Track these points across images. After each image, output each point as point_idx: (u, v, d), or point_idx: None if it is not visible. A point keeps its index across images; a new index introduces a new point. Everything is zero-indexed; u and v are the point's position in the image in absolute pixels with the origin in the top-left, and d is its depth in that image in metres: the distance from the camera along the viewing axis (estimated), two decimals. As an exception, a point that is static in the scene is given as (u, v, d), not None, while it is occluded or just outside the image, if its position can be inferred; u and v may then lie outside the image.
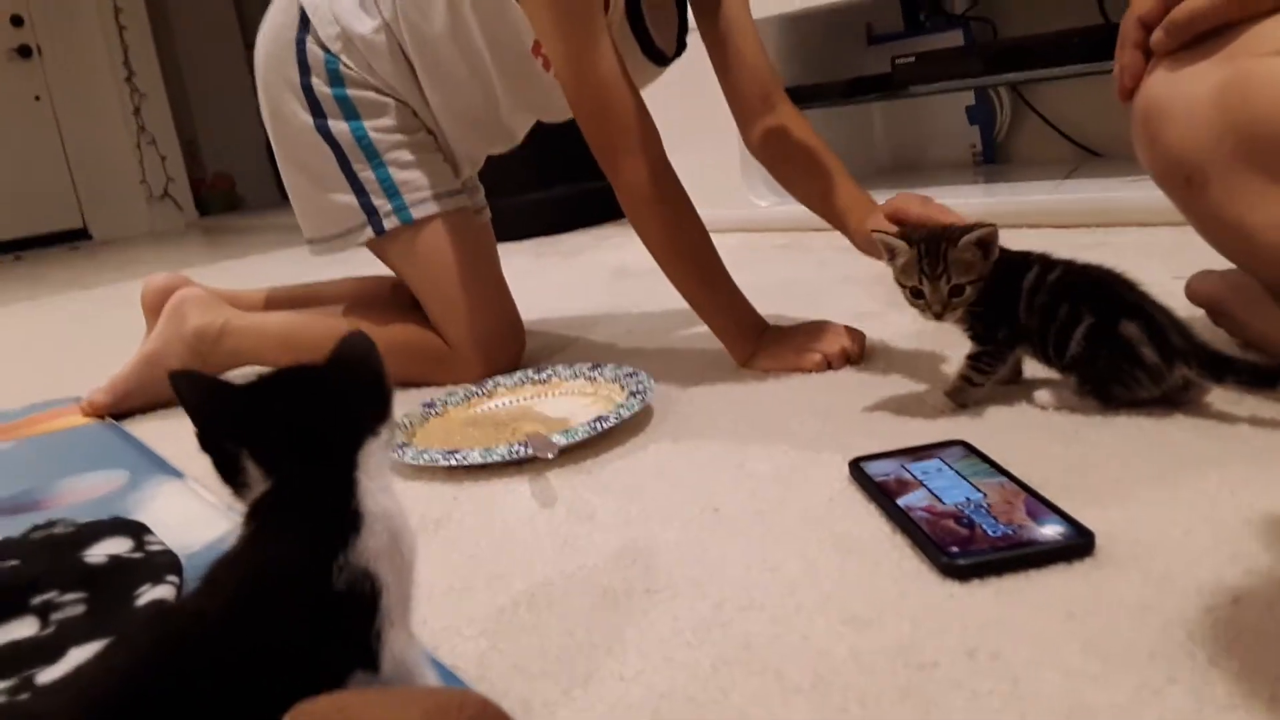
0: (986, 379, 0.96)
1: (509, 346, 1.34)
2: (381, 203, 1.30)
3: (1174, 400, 0.88)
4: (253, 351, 1.39)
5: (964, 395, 0.97)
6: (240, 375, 1.18)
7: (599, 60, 1.11)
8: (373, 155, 1.30)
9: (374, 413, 0.53)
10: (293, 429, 0.49)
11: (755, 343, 1.19)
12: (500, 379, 1.23)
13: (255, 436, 0.49)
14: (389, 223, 1.30)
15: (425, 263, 1.32)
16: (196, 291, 1.44)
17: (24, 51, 5.83)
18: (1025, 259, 0.95)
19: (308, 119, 1.30)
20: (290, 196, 1.39)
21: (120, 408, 1.40)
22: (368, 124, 1.30)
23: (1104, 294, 0.90)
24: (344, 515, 0.48)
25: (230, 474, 0.50)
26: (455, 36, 1.25)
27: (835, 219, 1.27)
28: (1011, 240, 0.96)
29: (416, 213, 1.30)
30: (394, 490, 0.53)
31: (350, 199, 1.31)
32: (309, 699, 0.38)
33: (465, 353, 1.30)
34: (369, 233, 1.31)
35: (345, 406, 0.52)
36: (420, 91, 1.32)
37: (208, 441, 0.50)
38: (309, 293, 1.54)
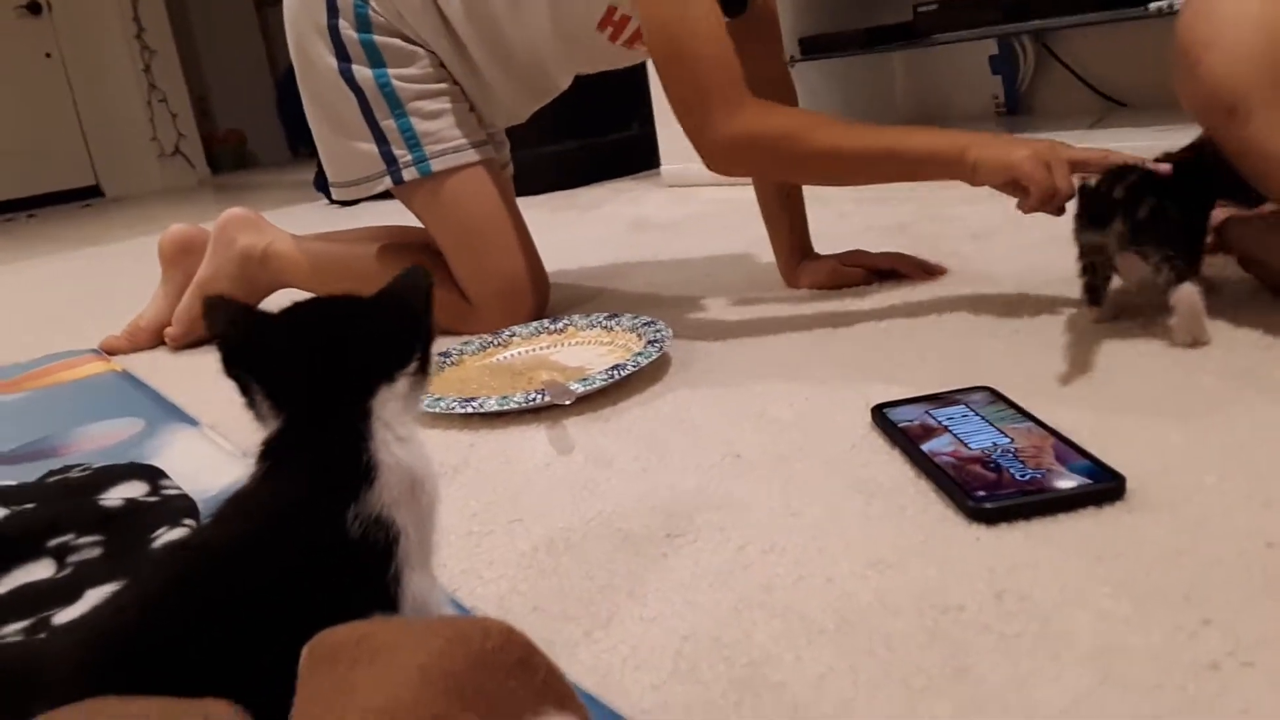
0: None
1: (530, 300, 1.31)
2: (401, 152, 1.28)
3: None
4: (293, 274, 1.43)
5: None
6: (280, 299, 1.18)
7: (694, 6, 1.05)
8: (395, 104, 1.27)
9: (398, 358, 0.51)
10: (306, 370, 0.48)
11: (972, 138, 1.02)
12: (516, 329, 1.22)
13: (269, 372, 0.48)
14: (408, 173, 1.28)
15: (447, 214, 1.31)
16: (241, 212, 1.46)
17: (34, 8, 5.79)
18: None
19: (332, 62, 1.28)
20: (314, 138, 1.37)
21: (191, 337, 1.46)
22: (392, 72, 1.27)
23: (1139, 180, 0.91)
24: (355, 465, 0.46)
25: (249, 404, 0.49)
26: (516, 3, 1.23)
27: (780, 243, 1.33)
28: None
29: (436, 165, 1.28)
30: (416, 437, 0.51)
31: (371, 147, 1.29)
32: (330, 629, 0.37)
33: (485, 306, 1.29)
34: (388, 181, 1.30)
35: (367, 349, 0.50)
36: (450, 41, 1.28)
37: (229, 369, 0.49)
38: (340, 237, 1.54)
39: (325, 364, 0.49)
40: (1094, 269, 0.95)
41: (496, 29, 1.26)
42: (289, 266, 1.43)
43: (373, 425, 0.48)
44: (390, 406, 0.50)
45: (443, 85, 1.30)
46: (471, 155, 1.30)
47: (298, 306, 0.52)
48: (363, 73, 1.27)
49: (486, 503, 0.80)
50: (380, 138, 1.28)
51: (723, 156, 1.08)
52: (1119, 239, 0.89)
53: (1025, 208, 0.98)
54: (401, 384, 0.51)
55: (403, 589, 0.46)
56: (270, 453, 0.48)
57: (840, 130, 1.06)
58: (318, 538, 0.44)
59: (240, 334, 0.49)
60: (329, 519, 0.45)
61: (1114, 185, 0.89)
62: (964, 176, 1.01)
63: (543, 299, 1.33)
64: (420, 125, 1.28)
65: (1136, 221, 0.88)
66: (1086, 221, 0.92)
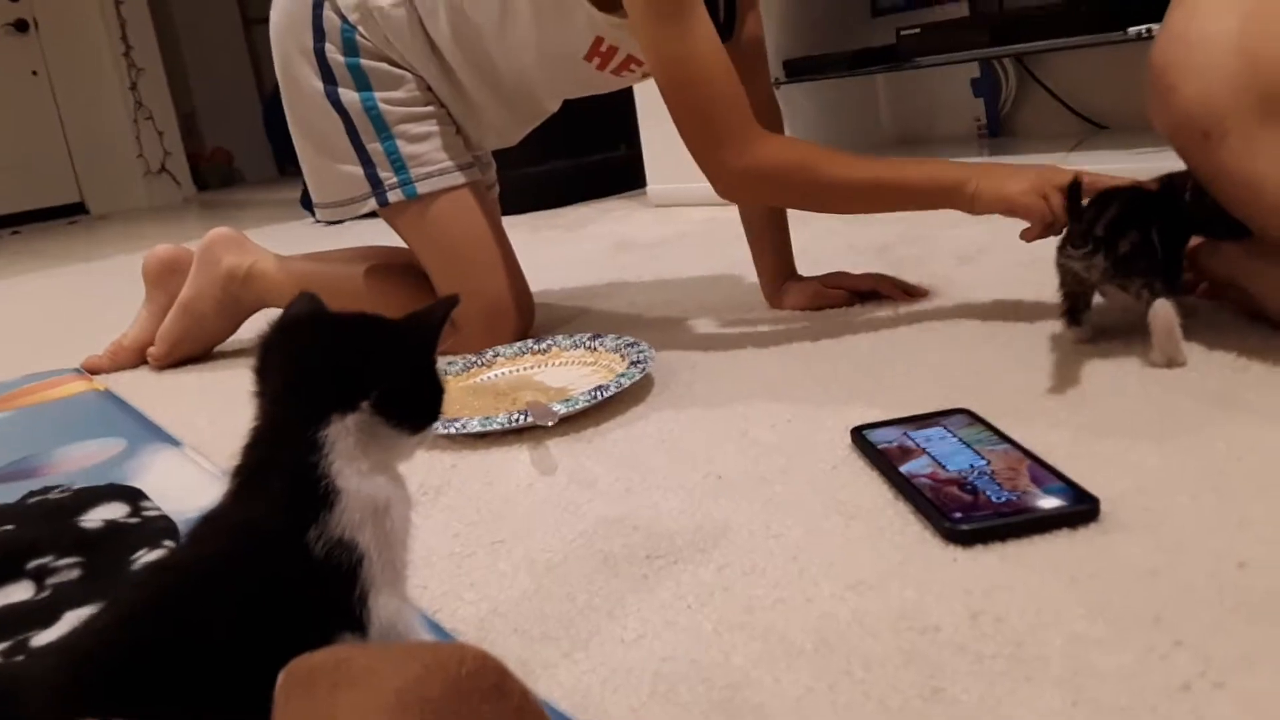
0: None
1: (515, 322, 1.31)
2: (387, 175, 1.29)
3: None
4: (277, 295, 1.43)
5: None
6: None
7: (699, 41, 1.04)
8: (381, 127, 1.28)
9: (357, 388, 0.49)
10: (271, 389, 0.49)
11: (971, 170, 1.07)
12: (500, 349, 1.22)
13: (260, 374, 0.49)
14: (393, 195, 1.29)
15: (431, 236, 1.31)
16: (226, 232, 1.46)
17: (21, 26, 5.78)
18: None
19: (318, 84, 1.28)
20: (300, 159, 1.38)
21: (174, 357, 1.47)
22: (379, 95, 1.28)
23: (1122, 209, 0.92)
24: (313, 489, 0.46)
25: None
26: (503, 34, 1.23)
27: (764, 264, 1.34)
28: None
29: (422, 187, 1.28)
30: (388, 470, 0.51)
31: (356, 169, 1.29)
32: (307, 653, 0.37)
33: (469, 327, 1.29)
34: (373, 203, 1.30)
35: (326, 375, 0.49)
36: (438, 66, 1.29)
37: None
38: (327, 258, 1.54)
39: (288, 385, 0.49)
40: (1075, 295, 0.97)
41: (484, 55, 1.27)
42: (273, 287, 1.43)
43: (328, 454, 0.47)
44: (350, 438, 0.48)
45: (429, 109, 1.30)
46: (457, 178, 1.30)
47: (294, 319, 0.52)
48: (349, 96, 1.28)
49: (468, 524, 0.80)
50: (366, 160, 1.29)
51: (736, 186, 1.12)
52: (1102, 273, 0.92)
53: (1028, 237, 1.04)
54: (364, 415, 0.49)
55: (370, 610, 0.46)
56: (241, 470, 0.48)
57: (848, 162, 1.10)
58: (282, 558, 0.44)
59: (284, 326, 0.50)
60: (291, 540, 0.45)
61: (1096, 220, 0.90)
62: (964, 207, 1.07)
63: (527, 321, 1.34)
64: (406, 148, 1.28)
65: (1118, 257, 0.90)
66: (1069, 253, 0.93)
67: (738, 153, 1.07)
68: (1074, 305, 0.97)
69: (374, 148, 1.28)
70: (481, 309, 1.29)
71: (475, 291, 1.29)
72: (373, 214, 1.35)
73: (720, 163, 1.08)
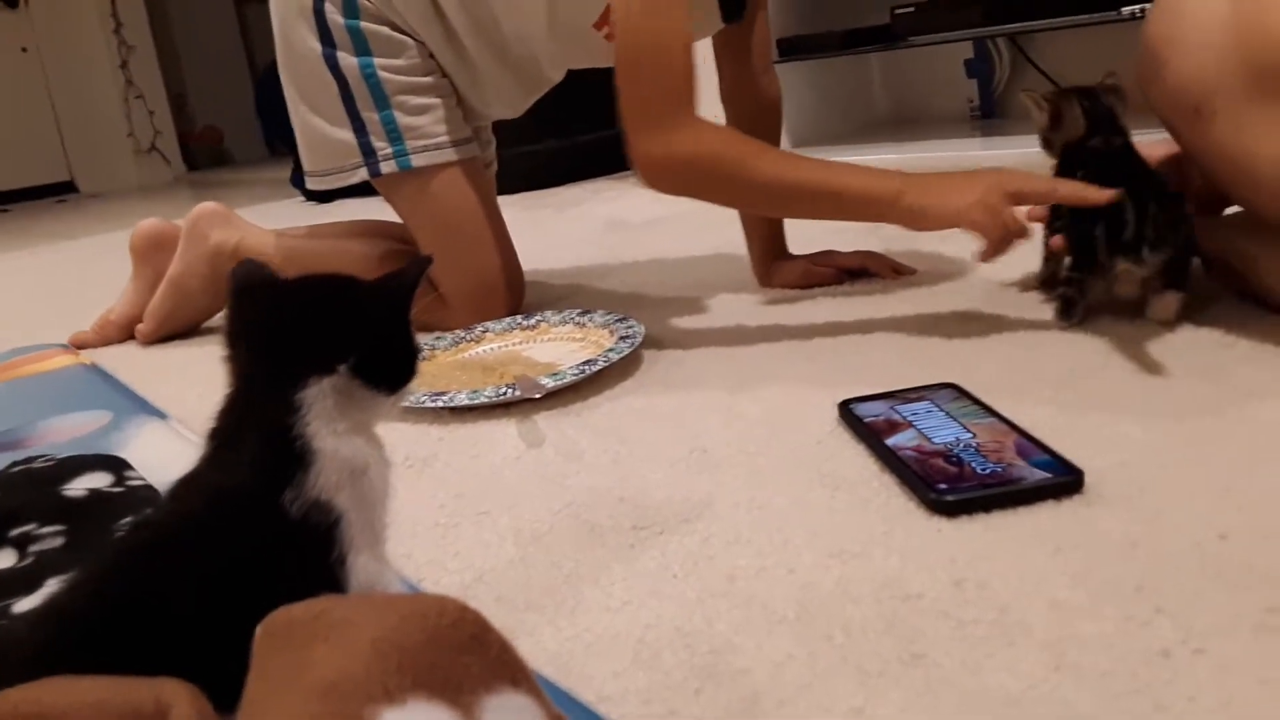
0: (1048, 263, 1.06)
1: (505, 299, 1.30)
2: (382, 145, 1.26)
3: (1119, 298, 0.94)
4: None
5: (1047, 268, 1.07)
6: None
7: (670, 20, 1.02)
8: (379, 95, 1.25)
9: (335, 351, 0.49)
10: (247, 351, 0.49)
11: (911, 181, 1.01)
12: (489, 324, 1.22)
13: (233, 338, 0.48)
14: (386, 166, 1.26)
15: (426, 210, 1.30)
16: (213, 207, 1.45)
17: (11, 2, 5.72)
18: (1086, 158, 0.98)
19: (316, 46, 1.25)
20: (293, 124, 1.35)
21: (162, 333, 1.46)
22: (378, 61, 1.25)
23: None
24: (289, 451, 0.46)
25: None
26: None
27: (755, 243, 1.34)
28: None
29: (417, 160, 1.26)
30: (366, 433, 0.51)
31: (349, 136, 1.27)
32: (285, 606, 0.37)
33: (459, 303, 1.28)
34: (364, 173, 1.28)
35: (303, 338, 0.49)
36: (441, 29, 1.26)
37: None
38: (314, 232, 1.53)
39: (264, 348, 0.49)
40: (1078, 293, 0.96)
41: (490, 19, 1.24)
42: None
43: (304, 416, 0.47)
44: (328, 400, 0.48)
45: (430, 79, 1.28)
46: (453, 154, 1.28)
47: (294, 281, 0.51)
48: (347, 60, 1.25)
49: (454, 495, 0.80)
50: (360, 128, 1.27)
51: (657, 175, 1.05)
52: (1142, 281, 0.92)
53: (984, 259, 0.97)
54: (341, 378, 0.49)
55: (348, 571, 0.46)
56: (217, 434, 0.48)
57: (783, 161, 1.05)
58: (258, 518, 0.44)
59: (246, 293, 0.50)
60: (267, 500, 0.45)
61: (1140, 235, 0.89)
62: (904, 221, 1.00)
63: (518, 298, 1.33)
64: (404, 120, 1.26)
65: (1168, 263, 0.90)
66: (1081, 268, 0.94)
67: (664, 139, 1.02)
68: (1073, 298, 0.96)
69: (370, 116, 1.26)
70: (472, 285, 1.28)
71: (467, 267, 1.28)
72: (363, 191, 1.34)
73: (647, 147, 1.03)
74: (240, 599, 0.41)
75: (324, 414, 0.47)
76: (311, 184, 1.36)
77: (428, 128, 1.27)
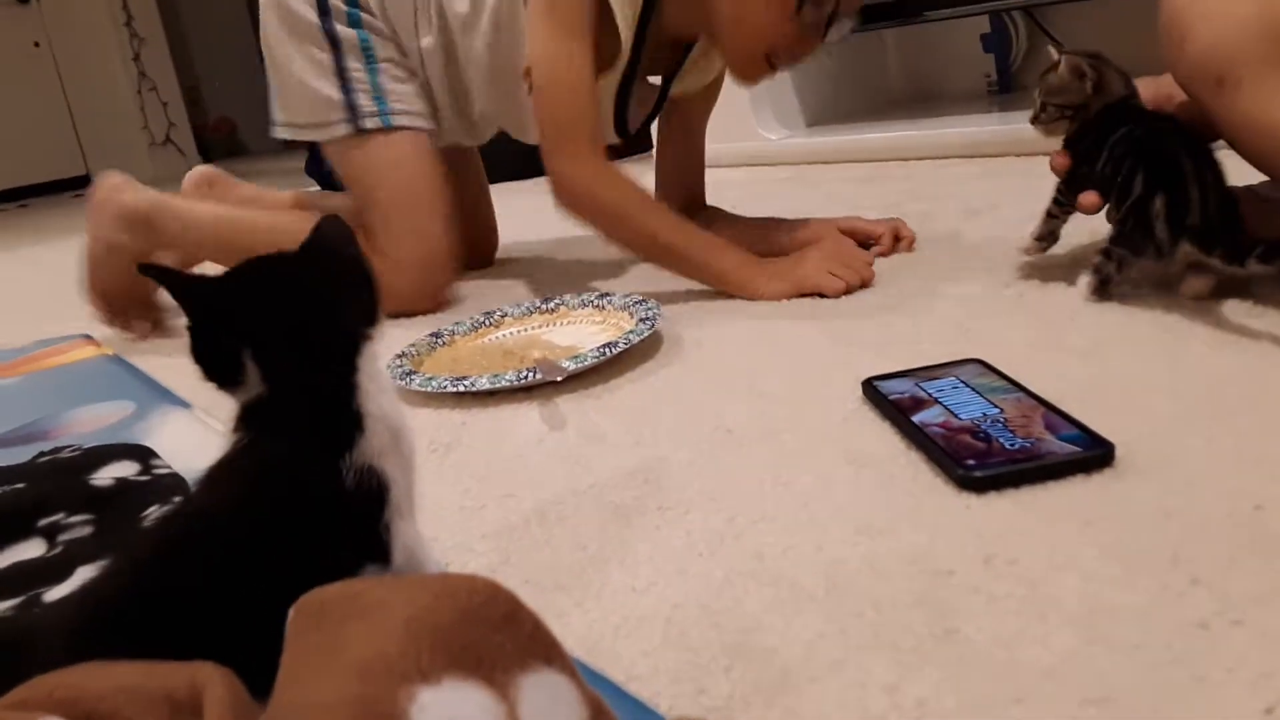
0: (1059, 212, 1.02)
1: (448, 274, 1.38)
2: (367, 103, 1.34)
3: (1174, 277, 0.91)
4: (181, 236, 1.40)
5: (1044, 226, 1.03)
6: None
7: (572, 57, 1.15)
8: (370, 59, 1.34)
9: (367, 311, 0.52)
10: (293, 330, 0.48)
11: (760, 268, 1.17)
12: (508, 308, 1.22)
13: (256, 336, 0.48)
14: (370, 123, 1.33)
15: (390, 171, 1.35)
16: (115, 179, 1.50)
17: (22, -3, 5.74)
18: (1128, 116, 0.95)
19: (314, 17, 1.33)
20: (269, 72, 1.40)
21: (114, 309, 1.45)
22: (373, 37, 1.35)
23: (1162, 162, 0.88)
24: (347, 416, 0.46)
25: (222, 372, 0.48)
26: (467, 31, 1.33)
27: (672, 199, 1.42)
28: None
29: (398, 120, 1.35)
30: (390, 388, 0.52)
31: (335, 94, 1.34)
32: (319, 588, 0.37)
33: (404, 272, 1.29)
34: (344, 129, 1.34)
35: (339, 305, 0.50)
36: (416, 37, 1.36)
37: (203, 338, 0.49)
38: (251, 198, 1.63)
39: (314, 321, 0.49)
40: (1116, 270, 0.94)
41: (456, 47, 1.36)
42: (175, 229, 1.39)
43: (359, 379, 0.48)
44: (373, 362, 0.50)
45: (407, 65, 1.38)
46: (424, 124, 1.38)
47: (246, 266, 0.51)
48: (344, 30, 1.34)
49: (479, 478, 0.80)
50: (347, 86, 1.33)
51: (561, 193, 1.19)
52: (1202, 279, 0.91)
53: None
54: (377, 337, 0.52)
55: (394, 538, 0.46)
56: (255, 415, 0.48)
57: (657, 221, 1.18)
58: (314, 489, 0.45)
59: (212, 299, 0.49)
60: (324, 470, 0.45)
61: (1154, 210, 0.88)
62: (749, 295, 1.15)
63: (450, 280, 1.39)
64: (387, 84, 1.35)
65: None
66: (1128, 244, 0.92)
67: (569, 170, 1.17)
68: (1107, 277, 0.95)
69: (359, 75, 1.34)
70: (425, 251, 1.33)
71: (425, 232, 1.34)
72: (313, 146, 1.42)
73: (556, 169, 1.18)
74: (290, 577, 0.41)
75: (372, 375, 0.49)
76: (283, 134, 1.42)
77: (406, 95, 1.36)
